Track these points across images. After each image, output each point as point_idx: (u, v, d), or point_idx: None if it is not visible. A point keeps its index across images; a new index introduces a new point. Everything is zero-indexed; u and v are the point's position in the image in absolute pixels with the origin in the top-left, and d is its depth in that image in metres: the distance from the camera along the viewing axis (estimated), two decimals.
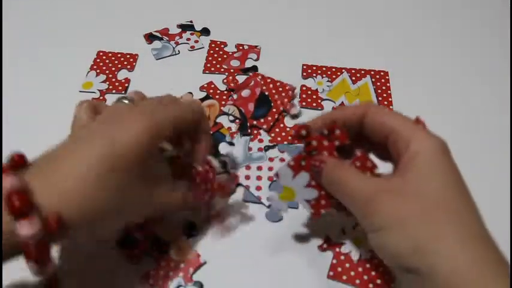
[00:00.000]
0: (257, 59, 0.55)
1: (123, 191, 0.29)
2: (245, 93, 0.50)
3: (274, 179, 0.40)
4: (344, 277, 0.37)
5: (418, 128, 0.31)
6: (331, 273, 0.37)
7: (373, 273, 0.37)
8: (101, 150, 0.28)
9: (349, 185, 0.31)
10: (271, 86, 0.51)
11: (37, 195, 0.26)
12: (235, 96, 0.50)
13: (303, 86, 0.52)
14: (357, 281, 0.37)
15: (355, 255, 0.38)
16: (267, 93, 0.50)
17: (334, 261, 0.38)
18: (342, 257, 0.38)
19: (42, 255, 0.26)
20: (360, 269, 0.37)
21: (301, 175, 0.34)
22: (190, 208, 0.37)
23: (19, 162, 0.28)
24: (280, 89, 0.50)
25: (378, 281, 0.37)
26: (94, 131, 0.31)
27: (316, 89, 0.52)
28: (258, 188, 0.42)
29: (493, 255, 0.26)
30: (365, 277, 0.37)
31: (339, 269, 0.37)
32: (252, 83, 0.51)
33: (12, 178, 0.26)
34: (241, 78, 0.52)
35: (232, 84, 0.51)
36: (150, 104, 0.34)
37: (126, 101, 0.35)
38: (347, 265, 0.38)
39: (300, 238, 0.40)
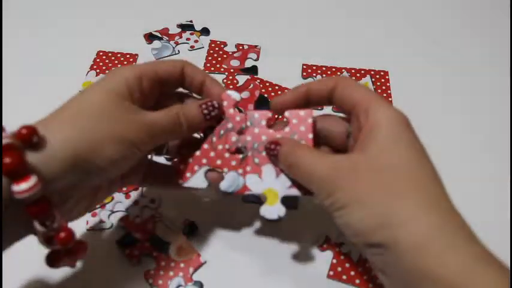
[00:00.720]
0: (257, 59, 0.55)
1: (114, 116, 0.30)
2: (244, 94, 0.50)
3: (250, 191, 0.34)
4: (344, 277, 0.37)
5: (378, 98, 0.30)
6: (331, 273, 0.37)
7: (373, 273, 0.37)
8: (97, 89, 0.31)
9: (308, 166, 0.30)
10: (270, 89, 0.51)
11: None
12: None
13: None
14: (357, 281, 0.37)
15: (355, 255, 0.38)
16: (266, 95, 0.50)
17: (334, 261, 0.38)
18: (342, 257, 0.38)
19: (43, 210, 0.26)
20: (360, 269, 0.37)
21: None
22: (183, 131, 0.33)
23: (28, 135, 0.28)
24: (280, 92, 0.50)
25: (378, 281, 0.37)
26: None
27: None
28: None
29: (456, 222, 0.26)
30: (365, 277, 0.37)
31: (339, 269, 0.37)
32: (251, 86, 0.51)
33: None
34: (241, 78, 0.52)
35: (231, 86, 0.51)
36: None
37: None
38: (347, 265, 0.38)
39: (300, 238, 0.40)
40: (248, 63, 0.54)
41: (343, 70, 0.53)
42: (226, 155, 0.34)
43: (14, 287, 0.36)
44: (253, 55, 0.55)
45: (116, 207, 0.41)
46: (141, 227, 0.39)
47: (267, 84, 0.51)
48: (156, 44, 0.56)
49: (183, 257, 0.38)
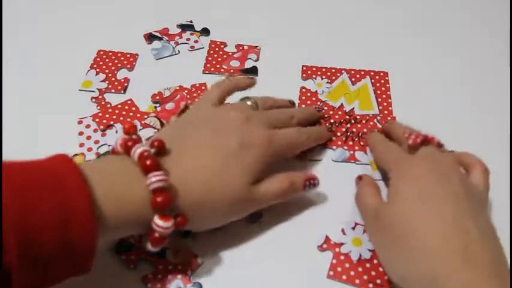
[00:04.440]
0: (257, 60, 0.55)
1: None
2: (169, 106, 0.49)
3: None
4: (344, 277, 0.37)
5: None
6: (331, 273, 0.37)
7: (373, 273, 0.37)
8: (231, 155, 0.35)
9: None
10: (196, 100, 0.49)
11: (173, 192, 0.31)
12: (159, 109, 0.49)
13: (302, 87, 0.52)
14: (357, 281, 0.37)
15: (355, 255, 0.38)
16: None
17: (334, 261, 0.38)
18: (342, 257, 0.38)
19: (163, 241, 0.32)
20: (360, 269, 0.37)
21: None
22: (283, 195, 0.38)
23: (160, 149, 0.33)
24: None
25: (378, 281, 0.37)
26: (222, 132, 0.36)
27: (316, 91, 0.51)
28: None
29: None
30: (365, 277, 0.37)
31: (339, 269, 0.37)
32: (178, 96, 0.50)
33: (160, 176, 0.30)
34: None
35: (157, 97, 0.50)
36: (273, 121, 0.40)
37: (249, 102, 0.42)
38: (347, 265, 0.38)
39: (300, 238, 0.39)
40: (248, 64, 0.54)
41: (343, 71, 0.53)
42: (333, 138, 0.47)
43: None
44: (253, 55, 0.55)
45: None
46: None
47: (195, 95, 0.50)
48: (156, 44, 0.56)
49: (180, 259, 0.38)
